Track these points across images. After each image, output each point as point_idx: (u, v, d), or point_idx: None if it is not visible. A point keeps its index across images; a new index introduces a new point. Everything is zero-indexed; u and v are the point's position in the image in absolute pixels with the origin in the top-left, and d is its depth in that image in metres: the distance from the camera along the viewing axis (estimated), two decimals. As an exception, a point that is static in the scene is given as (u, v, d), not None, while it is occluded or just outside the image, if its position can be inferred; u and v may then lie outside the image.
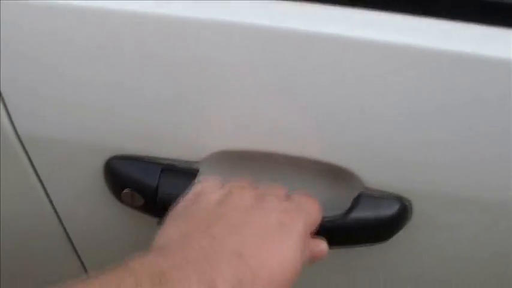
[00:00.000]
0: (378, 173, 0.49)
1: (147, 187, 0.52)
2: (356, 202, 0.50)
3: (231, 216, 0.43)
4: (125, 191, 0.53)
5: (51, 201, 0.60)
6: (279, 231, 0.42)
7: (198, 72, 0.45)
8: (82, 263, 0.69)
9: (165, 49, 0.44)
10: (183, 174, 0.51)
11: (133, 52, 0.45)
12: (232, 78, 0.45)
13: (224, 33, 0.43)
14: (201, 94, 0.47)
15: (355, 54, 0.42)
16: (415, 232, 0.54)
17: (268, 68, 0.44)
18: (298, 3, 0.43)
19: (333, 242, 0.48)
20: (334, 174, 0.51)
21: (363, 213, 0.50)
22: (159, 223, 0.45)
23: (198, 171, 0.51)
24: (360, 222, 0.50)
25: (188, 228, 0.42)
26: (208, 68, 0.45)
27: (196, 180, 0.50)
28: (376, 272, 0.61)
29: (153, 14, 0.43)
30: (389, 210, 0.50)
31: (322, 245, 0.47)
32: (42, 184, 0.58)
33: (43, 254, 0.69)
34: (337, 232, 0.50)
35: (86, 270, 0.70)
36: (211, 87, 0.46)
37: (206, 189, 0.47)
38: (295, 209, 0.45)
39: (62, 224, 0.63)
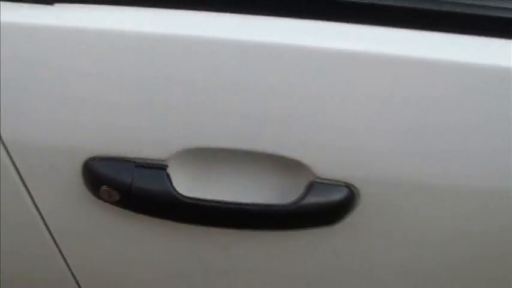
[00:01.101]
0: (326, 164, 0.56)
1: (123, 184, 0.57)
2: (307, 189, 0.57)
3: None
4: (102, 189, 0.58)
5: (34, 201, 0.64)
6: None
7: (158, 84, 0.52)
8: (64, 257, 0.73)
9: (132, 67, 0.50)
10: (154, 170, 0.57)
11: (101, 68, 0.51)
12: (191, 87, 0.51)
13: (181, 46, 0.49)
14: (163, 101, 0.53)
15: (312, 62, 0.49)
16: (363, 216, 0.60)
17: (228, 76, 0.51)
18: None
19: (287, 226, 0.54)
20: (288, 166, 0.57)
21: (313, 199, 0.56)
22: None
23: (167, 166, 0.57)
24: (311, 207, 0.56)
25: None
26: (165, 79, 0.51)
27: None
28: (328, 255, 0.67)
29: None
30: (337, 195, 0.57)
31: None
32: (25, 185, 0.62)
33: (26, 252, 0.74)
34: (291, 216, 0.57)
35: (68, 264, 0.75)
36: (172, 95, 0.52)
37: None
38: None
39: (45, 222, 0.67)
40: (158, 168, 0.57)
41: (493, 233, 0.62)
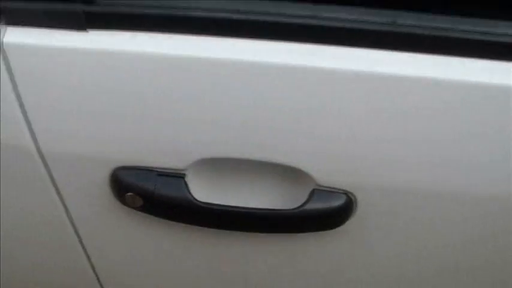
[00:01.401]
0: (327, 173, 0.61)
1: (146, 191, 0.63)
2: (310, 196, 0.62)
3: None
4: (127, 195, 0.64)
5: (65, 206, 0.71)
6: None
7: (179, 103, 0.57)
8: (88, 256, 0.79)
9: (160, 88, 0.56)
10: (174, 178, 0.63)
11: (128, 88, 0.56)
12: (207, 106, 0.57)
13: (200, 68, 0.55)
14: (183, 118, 0.58)
15: (313, 80, 0.54)
16: (361, 222, 0.65)
17: (239, 94, 0.57)
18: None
19: (291, 230, 0.59)
20: (292, 175, 0.63)
21: (315, 205, 0.62)
22: None
23: (185, 175, 0.63)
24: (313, 213, 0.62)
25: None
26: (185, 99, 0.57)
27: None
28: (329, 257, 0.72)
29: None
30: (336, 202, 0.62)
31: None
32: (58, 191, 0.69)
33: (54, 252, 0.80)
34: (295, 221, 0.63)
35: (91, 263, 0.81)
36: (190, 113, 0.58)
37: None
38: None
39: (73, 224, 0.73)
40: (178, 176, 0.63)
41: (489, 238, 0.66)
